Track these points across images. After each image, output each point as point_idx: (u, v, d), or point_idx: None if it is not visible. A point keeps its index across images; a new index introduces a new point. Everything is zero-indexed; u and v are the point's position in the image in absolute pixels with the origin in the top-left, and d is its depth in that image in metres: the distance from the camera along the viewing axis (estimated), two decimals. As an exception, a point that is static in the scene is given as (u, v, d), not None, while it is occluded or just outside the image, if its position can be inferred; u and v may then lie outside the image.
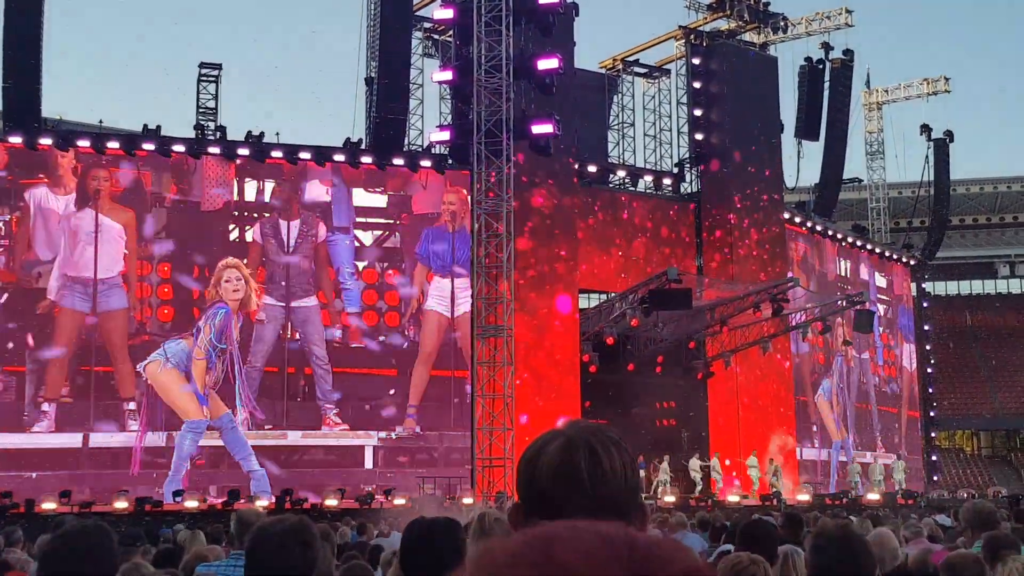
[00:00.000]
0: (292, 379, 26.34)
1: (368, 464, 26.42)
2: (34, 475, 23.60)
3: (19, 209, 24.68)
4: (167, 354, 25.09)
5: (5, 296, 24.49)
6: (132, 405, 24.75)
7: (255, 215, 26.72)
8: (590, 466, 1.67)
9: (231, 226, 26.56)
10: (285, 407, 26.16)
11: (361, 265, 27.26)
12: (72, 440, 24.32)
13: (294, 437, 26.06)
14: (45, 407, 24.15)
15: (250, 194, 26.76)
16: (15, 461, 23.70)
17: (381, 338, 27.04)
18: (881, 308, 39.39)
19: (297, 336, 26.46)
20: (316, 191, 27.01)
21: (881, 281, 40.05)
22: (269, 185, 26.81)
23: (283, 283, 26.41)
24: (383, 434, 26.58)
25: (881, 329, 38.95)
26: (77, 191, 25.04)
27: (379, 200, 27.78)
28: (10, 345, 24.35)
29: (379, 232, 27.80)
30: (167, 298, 25.55)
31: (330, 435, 26.33)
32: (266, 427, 25.73)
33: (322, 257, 26.84)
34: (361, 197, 27.53)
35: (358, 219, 27.34)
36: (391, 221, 27.78)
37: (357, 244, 27.33)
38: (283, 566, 3.03)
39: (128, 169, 25.53)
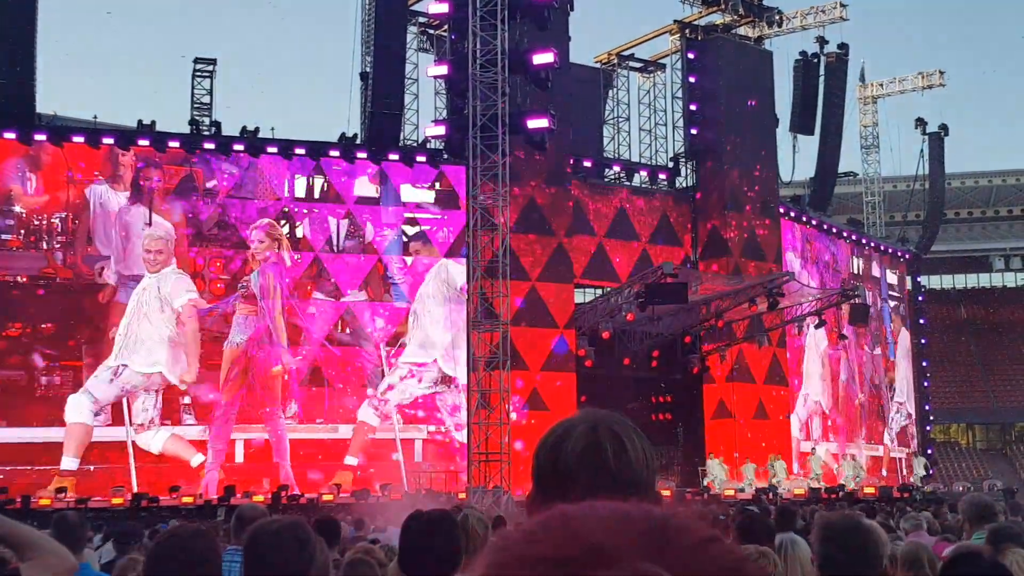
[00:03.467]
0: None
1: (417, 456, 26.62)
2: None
3: (76, 206, 24.80)
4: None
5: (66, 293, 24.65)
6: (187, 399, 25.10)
7: (304, 211, 26.73)
8: (615, 450, 1.71)
9: (281, 222, 26.58)
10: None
11: (409, 260, 27.24)
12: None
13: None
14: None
15: (300, 191, 26.82)
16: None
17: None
18: (892, 303, 39.62)
19: (347, 331, 26.62)
20: (364, 188, 27.05)
21: (892, 278, 40.20)
22: (319, 181, 26.87)
23: (332, 279, 26.55)
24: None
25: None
26: (131, 188, 25.28)
27: (427, 195, 27.70)
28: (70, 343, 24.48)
29: (427, 227, 27.63)
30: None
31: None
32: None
33: (370, 253, 26.91)
34: (409, 193, 27.47)
35: (406, 214, 27.36)
36: (440, 216, 27.59)
37: (405, 239, 27.29)
38: (280, 564, 3.02)
39: (182, 167, 25.79)
